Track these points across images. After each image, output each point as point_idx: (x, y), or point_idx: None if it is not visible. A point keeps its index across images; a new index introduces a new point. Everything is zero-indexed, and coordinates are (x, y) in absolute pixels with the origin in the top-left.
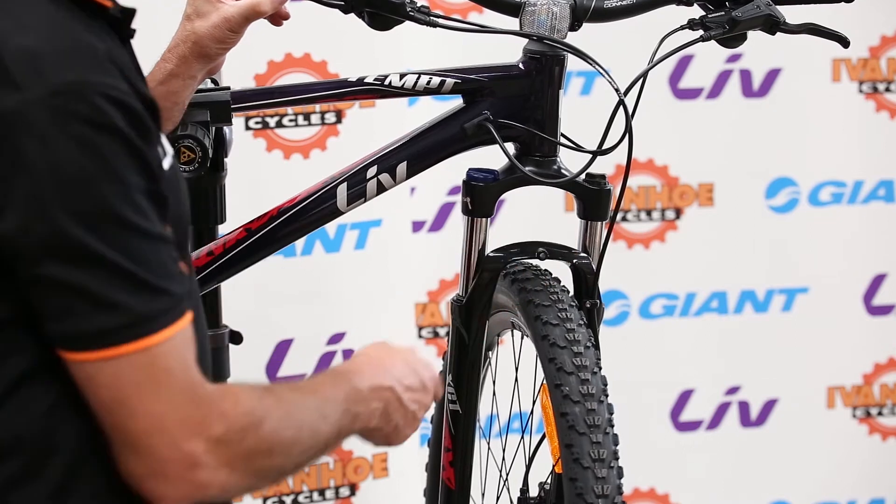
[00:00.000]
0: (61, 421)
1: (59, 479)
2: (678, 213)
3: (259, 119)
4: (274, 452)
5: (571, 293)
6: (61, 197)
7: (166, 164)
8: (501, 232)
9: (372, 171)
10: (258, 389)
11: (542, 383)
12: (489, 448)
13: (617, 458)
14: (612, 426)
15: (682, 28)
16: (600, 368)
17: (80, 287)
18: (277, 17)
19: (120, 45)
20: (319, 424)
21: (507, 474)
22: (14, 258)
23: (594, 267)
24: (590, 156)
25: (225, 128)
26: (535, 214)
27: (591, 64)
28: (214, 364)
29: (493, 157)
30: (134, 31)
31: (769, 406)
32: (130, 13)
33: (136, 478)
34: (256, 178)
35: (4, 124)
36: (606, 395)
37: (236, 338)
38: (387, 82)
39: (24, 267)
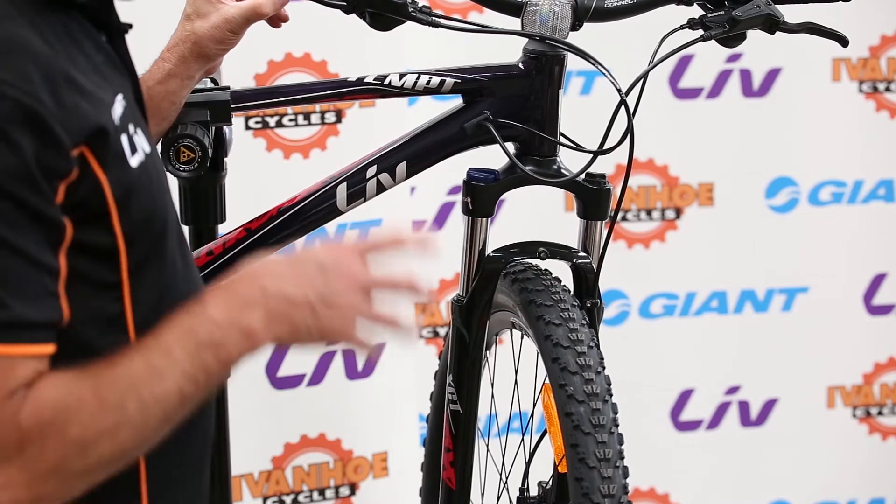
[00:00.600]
0: None
1: None
2: (678, 212)
3: (259, 119)
4: (92, 447)
5: (572, 293)
6: None
7: (135, 161)
8: (502, 232)
9: (372, 170)
10: (71, 379)
11: (543, 383)
12: (488, 448)
13: (622, 458)
14: (617, 426)
15: (682, 28)
16: (604, 368)
17: None
18: (277, 20)
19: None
20: (155, 386)
21: (508, 474)
22: None
23: (594, 267)
24: (590, 155)
25: (225, 127)
26: (535, 214)
27: (593, 64)
28: None
29: (493, 156)
30: (127, 25)
31: (769, 406)
32: (107, 3)
33: None
34: (256, 178)
35: None
36: (611, 395)
37: None
38: (386, 82)
39: None
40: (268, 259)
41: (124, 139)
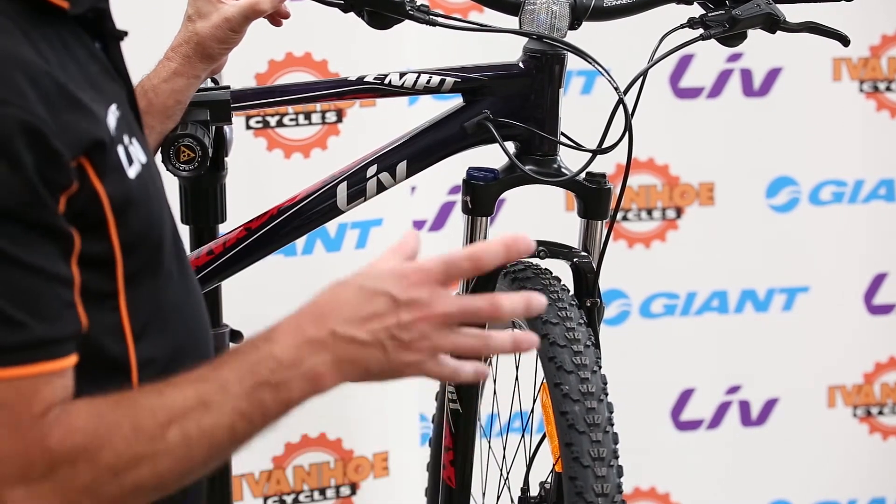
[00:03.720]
0: None
1: None
2: (679, 212)
3: (259, 118)
4: (126, 473)
5: (571, 292)
6: None
7: (133, 172)
8: (502, 231)
9: (372, 170)
10: (104, 405)
11: (542, 382)
12: (490, 447)
13: (617, 457)
14: (612, 425)
15: (682, 27)
16: (600, 367)
17: None
18: (277, 17)
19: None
20: (202, 418)
21: (508, 473)
22: None
23: (594, 266)
24: (590, 154)
25: (225, 127)
26: (535, 213)
27: (590, 63)
28: None
29: (493, 156)
30: (122, 32)
31: (770, 405)
32: (104, 12)
33: None
34: (257, 178)
35: None
36: (606, 394)
37: (237, 337)
38: (387, 81)
39: None
40: (338, 290)
41: (121, 150)
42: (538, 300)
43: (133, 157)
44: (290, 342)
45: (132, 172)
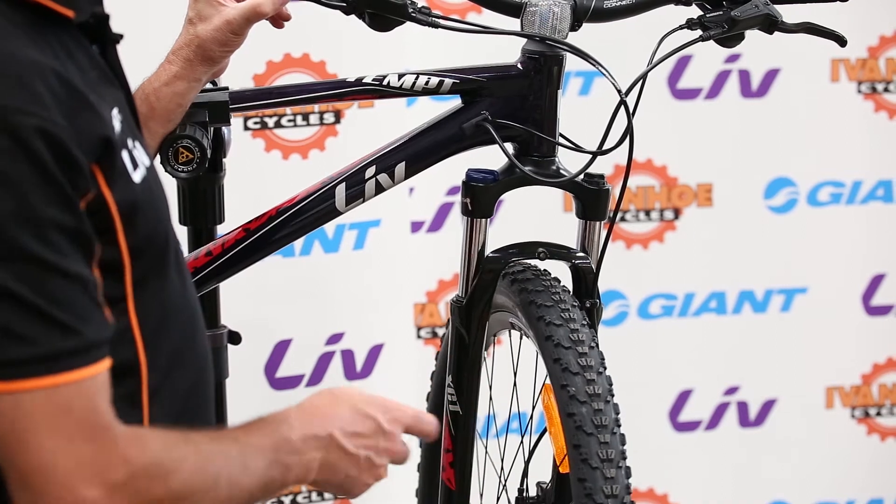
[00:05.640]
0: None
1: None
2: (677, 213)
3: (258, 119)
4: (183, 502)
5: (571, 293)
6: None
7: (138, 176)
8: (501, 232)
9: (370, 171)
10: (174, 437)
11: (543, 383)
12: (486, 449)
13: (625, 458)
14: (619, 426)
15: (680, 28)
16: (605, 368)
17: None
18: (278, 19)
19: (92, 56)
20: (240, 476)
21: (507, 475)
22: None
23: (593, 267)
24: (589, 156)
25: (223, 128)
26: (534, 215)
27: (592, 64)
28: (213, 365)
29: (492, 157)
30: (119, 36)
31: (768, 406)
32: (105, 18)
33: None
34: (255, 179)
35: None
36: (612, 395)
37: (235, 338)
38: (385, 82)
39: None
40: (334, 401)
41: (125, 155)
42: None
43: (138, 161)
44: (300, 433)
45: (137, 177)
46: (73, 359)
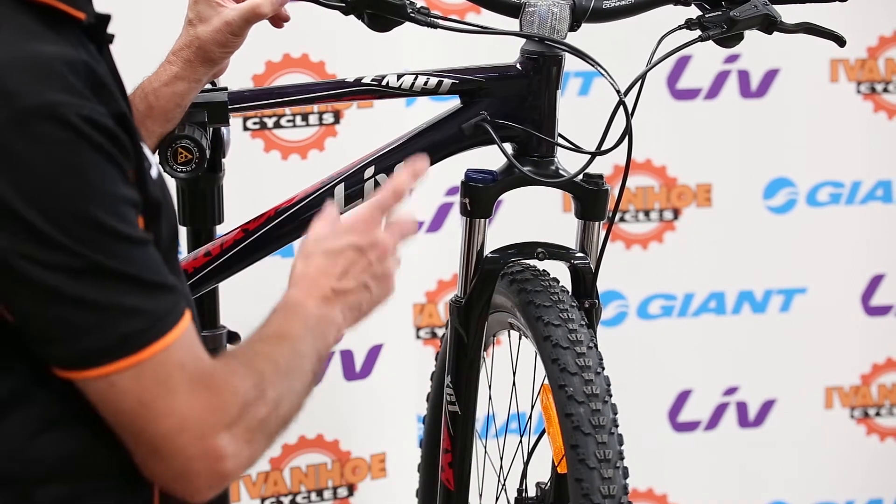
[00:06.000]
0: (49, 446)
1: None
2: (676, 213)
3: (257, 119)
4: (279, 408)
5: (570, 294)
6: (53, 220)
7: (153, 172)
8: (500, 232)
9: (369, 171)
10: (246, 353)
11: (542, 383)
12: (486, 449)
13: (622, 459)
14: (617, 426)
15: (679, 28)
16: (603, 368)
17: (95, 302)
18: (278, 19)
19: (96, 54)
20: (303, 364)
21: (506, 475)
22: (12, 283)
23: (592, 267)
24: (588, 156)
25: (222, 128)
26: (533, 215)
27: (591, 64)
28: None
29: (491, 157)
30: (112, 36)
31: (767, 406)
32: (105, 19)
33: (165, 480)
34: (254, 179)
35: None
36: (610, 396)
37: (234, 338)
38: (384, 83)
39: (23, 293)
40: (308, 262)
41: (146, 150)
42: (421, 161)
43: (150, 159)
44: (314, 304)
45: (154, 173)
46: (172, 316)
